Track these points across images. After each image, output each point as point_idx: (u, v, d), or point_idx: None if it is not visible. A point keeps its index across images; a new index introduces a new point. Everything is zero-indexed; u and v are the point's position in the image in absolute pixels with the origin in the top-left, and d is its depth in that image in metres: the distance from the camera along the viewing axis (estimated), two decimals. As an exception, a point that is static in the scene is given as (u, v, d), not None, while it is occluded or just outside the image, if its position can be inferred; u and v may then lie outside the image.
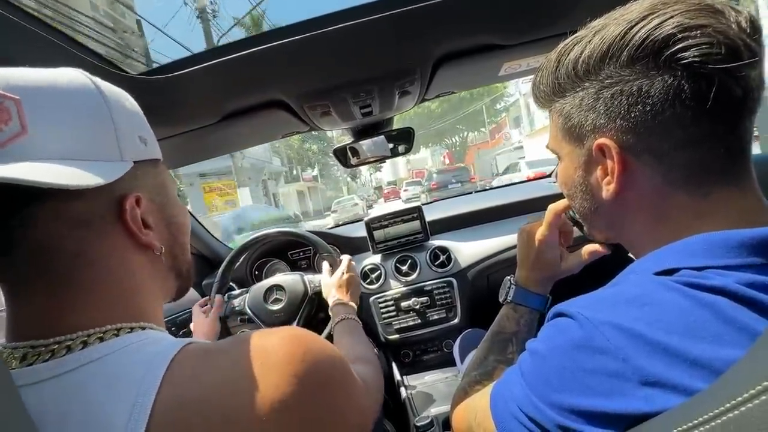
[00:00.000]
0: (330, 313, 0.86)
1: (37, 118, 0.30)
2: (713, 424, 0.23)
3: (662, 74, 0.34)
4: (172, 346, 0.33)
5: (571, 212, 1.39)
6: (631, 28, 0.35)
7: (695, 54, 0.32)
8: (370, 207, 19.55)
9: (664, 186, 0.37)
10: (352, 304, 0.88)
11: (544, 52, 0.42)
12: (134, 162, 0.36)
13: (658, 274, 0.34)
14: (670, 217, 0.38)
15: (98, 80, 0.36)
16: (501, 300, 0.64)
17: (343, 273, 0.94)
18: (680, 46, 0.32)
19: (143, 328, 0.36)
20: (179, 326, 1.21)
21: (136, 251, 0.37)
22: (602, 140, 0.38)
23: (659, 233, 0.38)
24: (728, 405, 0.23)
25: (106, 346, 0.32)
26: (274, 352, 0.34)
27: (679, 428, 0.25)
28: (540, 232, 0.62)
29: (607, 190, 0.40)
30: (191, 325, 1.00)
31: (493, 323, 0.63)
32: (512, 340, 0.60)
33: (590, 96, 0.38)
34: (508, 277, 0.65)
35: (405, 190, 18.62)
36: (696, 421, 0.24)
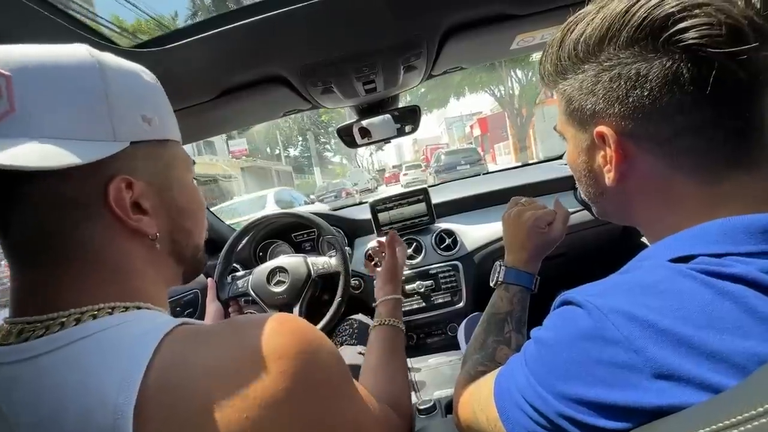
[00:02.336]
0: (376, 307, 0.75)
1: (26, 96, 0.30)
2: (744, 428, 0.21)
3: (660, 57, 0.32)
4: (163, 325, 0.32)
5: (579, 194, 1.36)
6: (633, 5, 0.33)
7: (694, 36, 0.30)
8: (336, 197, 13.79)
9: (668, 174, 0.36)
10: (401, 299, 0.76)
11: (561, 23, 0.39)
12: (132, 142, 0.35)
13: (673, 261, 0.32)
14: (679, 204, 0.36)
15: (105, 56, 0.35)
16: (492, 284, 0.67)
17: (393, 258, 0.79)
18: (679, 27, 0.31)
19: (138, 308, 0.35)
20: (184, 306, 1.22)
21: (128, 235, 0.36)
22: (601, 128, 0.37)
23: (672, 220, 0.36)
24: (761, 409, 0.20)
25: (98, 323, 0.32)
26: (266, 343, 0.32)
27: (708, 428, 0.22)
28: (532, 217, 0.65)
29: (608, 177, 0.39)
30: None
31: (487, 306, 0.65)
32: (507, 319, 0.61)
33: (590, 79, 0.37)
34: (498, 262, 0.68)
35: (404, 174, 17.09)
36: (726, 423, 0.22)
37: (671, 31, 0.31)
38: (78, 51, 0.34)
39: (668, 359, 0.27)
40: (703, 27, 0.30)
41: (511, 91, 16.43)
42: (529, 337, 0.39)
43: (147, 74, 0.39)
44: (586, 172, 0.43)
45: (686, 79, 0.31)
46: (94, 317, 0.32)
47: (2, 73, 0.29)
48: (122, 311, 0.34)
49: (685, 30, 0.30)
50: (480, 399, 0.45)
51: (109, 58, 0.35)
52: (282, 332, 0.33)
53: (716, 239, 0.32)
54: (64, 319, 0.32)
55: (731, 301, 0.28)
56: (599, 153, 0.40)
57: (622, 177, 0.38)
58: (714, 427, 0.22)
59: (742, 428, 0.21)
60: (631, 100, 0.34)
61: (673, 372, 0.27)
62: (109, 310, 0.33)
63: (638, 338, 0.28)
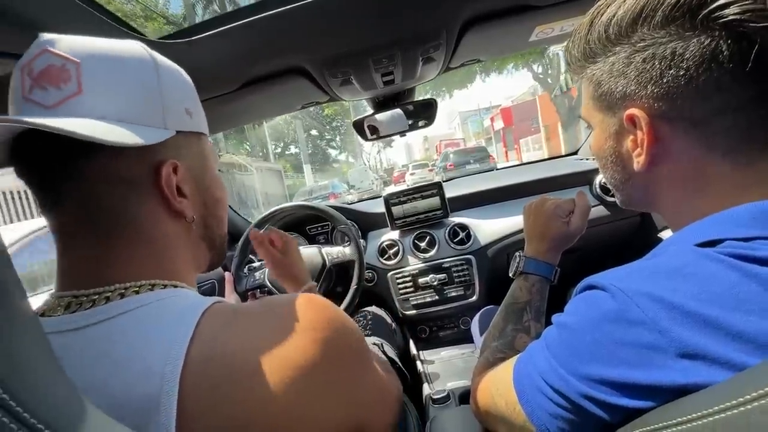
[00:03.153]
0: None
1: (92, 81, 0.33)
2: (762, 402, 0.21)
3: (698, 35, 0.31)
4: (201, 302, 0.34)
5: (595, 189, 1.34)
6: None
7: (735, 11, 0.29)
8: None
9: (702, 155, 0.35)
10: (310, 283, 0.78)
11: (580, 14, 0.39)
12: (177, 132, 0.38)
13: (699, 245, 0.32)
14: (711, 188, 0.36)
15: (156, 54, 0.38)
16: (511, 274, 0.67)
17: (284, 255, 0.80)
18: (719, 3, 0.30)
19: (175, 286, 0.37)
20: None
21: (170, 216, 0.39)
22: (632, 110, 0.37)
23: (699, 204, 0.36)
24: None
25: (141, 298, 0.34)
26: (299, 317, 0.35)
27: (723, 404, 0.23)
28: (553, 205, 0.66)
29: (638, 162, 0.39)
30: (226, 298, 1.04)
31: (506, 296, 0.65)
32: (526, 308, 0.61)
33: (621, 61, 0.37)
34: (518, 253, 0.68)
35: (411, 174, 16.37)
36: (747, 397, 0.22)
37: (711, 7, 0.30)
38: (135, 47, 0.37)
39: (693, 339, 0.27)
40: (745, 2, 0.29)
41: (558, 66, 12.81)
42: (549, 323, 0.40)
43: (185, 73, 0.42)
44: (613, 158, 0.43)
45: (725, 57, 0.31)
46: (137, 292, 0.34)
47: (73, 60, 0.33)
48: (161, 288, 0.36)
49: (726, 5, 0.30)
50: (499, 384, 0.45)
51: (159, 56, 0.39)
52: (311, 307, 0.36)
53: (745, 223, 0.31)
54: (109, 294, 0.34)
55: (758, 283, 0.27)
56: (628, 137, 0.39)
57: (653, 160, 0.38)
58: (735, 401, 0.22)
59: (763, 401, 0.21)
60: (665, 80, 0.34)
61: (698, 351, 0.27)
62: (150, 287, 0.35)
63: (663, 319, 0.28)
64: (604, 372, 0.31)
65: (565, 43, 0.46)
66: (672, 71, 0.33)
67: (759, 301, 0.27)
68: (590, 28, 0.39)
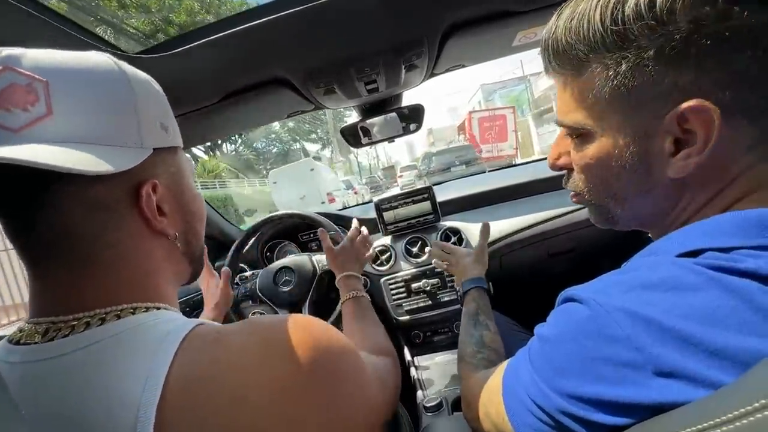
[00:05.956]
0: (337, 286, 0.82)
1: (62, 101, 0.31)
2: (741, 423, 0.21)
3: None
4: (184, 325, 0.34)
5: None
6: None
7: None
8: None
9: (744, 157, 0.32)
10: (358, 275, 0.84)
11: None
12: (154, 149, 0.36)
13: (680, 256, 0.32)
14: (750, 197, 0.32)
15: (125, 65, 0.36)
16: (460, 301, 0.83)
17: (349, 241, 0.89)
18: None
19: (158, 308, 0.36)
20: (193, 307, 1.23)
21: (151, 236, 0.38)
22: (692, 102, 0.30)
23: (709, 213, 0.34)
24: (758, 404, 0.20)
25: (122, 323, 0.33)
26: (283, 339, 0.34)
27: (702, 424, 0.22)
28: (463, 255, 0.93)
29: (685, 165, 0.33)
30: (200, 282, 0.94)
31: (461, 315, 0.78)
32: (478, 312, 0.76)
33: (678, 44, 0.30)
34: (456, 288, 0.89)
35: (400, 176, 15.59)
36: (723, 419, 0.22)
37: None
38: (103, 59, 0.35)
39: (671, 357, 0.27)
40: None
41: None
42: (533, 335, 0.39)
43: (156, 83, 0.40)
44: (634, 167, 0.36)
45: None
46: (118, 317, 0.33)
47: (40, 79, 0.30)
48: (143, 311, 0.35)
49: None
50: (490, 394, 0.45)
51: (128, 66, 0.36)
52: (296, 330, 0.35)
53: (727, 232, 0.30)
54: (89, 319, 0.33)
55: (737, 297, 0.27)
56: (666, 138, 0.33)
57: (700, 162, 0.32)
58: (711, 422, 0.22)
59: (738, 423, 0.21)
60: (735, 66, 0.29)
61: (674, 369, 0.27)
62: (132, 311, 0.34)
63: (641, 336, 0.28)
64: (582, 388, 0.31)
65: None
66: (748, 53, 0.28)
67: (738, 316, 0.26)
68: (617, 6, 0.32)
